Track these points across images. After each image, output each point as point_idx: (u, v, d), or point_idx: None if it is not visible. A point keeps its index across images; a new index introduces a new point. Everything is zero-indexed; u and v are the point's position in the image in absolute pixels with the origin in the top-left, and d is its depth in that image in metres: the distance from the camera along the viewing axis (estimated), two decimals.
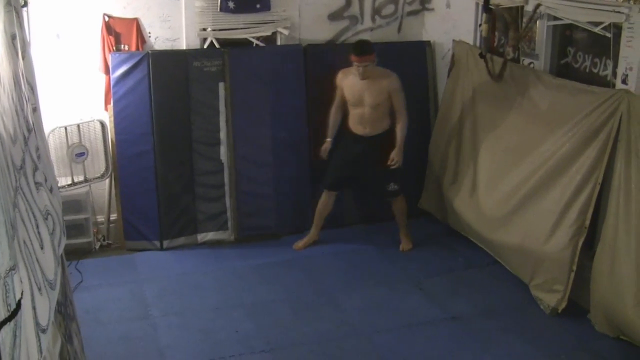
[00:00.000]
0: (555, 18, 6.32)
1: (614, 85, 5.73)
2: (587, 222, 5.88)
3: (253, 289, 6.68)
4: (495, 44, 7.17)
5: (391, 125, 7.19)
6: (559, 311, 6.08)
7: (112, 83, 7.16)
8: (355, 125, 7.20)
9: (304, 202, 7.78)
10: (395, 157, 6.99)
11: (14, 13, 3.55)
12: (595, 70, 6.11)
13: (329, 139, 7.25)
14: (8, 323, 2.06)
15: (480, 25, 7.15)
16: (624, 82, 5.57)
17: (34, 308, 2.41)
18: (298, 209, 7.81)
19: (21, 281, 2.26)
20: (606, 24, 5.66)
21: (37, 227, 2.90)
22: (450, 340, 5.89)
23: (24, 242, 2.54)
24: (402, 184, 7.35)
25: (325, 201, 7.48)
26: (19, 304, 2.16)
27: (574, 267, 5.97)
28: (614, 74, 5.75)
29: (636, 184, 5.42)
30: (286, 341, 5.86)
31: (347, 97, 7.18)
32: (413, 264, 7.14)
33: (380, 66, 7.18)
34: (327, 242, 7.58)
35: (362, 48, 7.03)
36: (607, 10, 5.56)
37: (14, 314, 2.11)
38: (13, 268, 2.16)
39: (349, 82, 7.13)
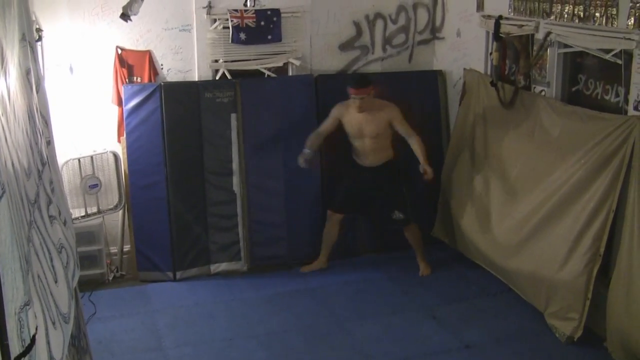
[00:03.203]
0: (566, 45, 6.33)
1: (626, 112, 5.71)
2: (602, 250, 5.83)
3: (266, 320, 6.66)
4: (506, 72, 7.18)
5: (395, 155, 7.30)
6: (575, 339, 6.01)
7: (124, 115, 7.22)
8: (358, 157, 7.32)
9: (317, 231, 7.75)
10: (425, 169, 7.02)
11: (29, 47, 3.59)
12: (607, 97, 6.10)
13: (307, 150, 7.22)
14: (22, 358, 2.06)
15: (490, 53, 7.18)
16: (635, 108, 5.55)
17: (48, 342, 2.41)
18: (310, 238, 7.79)
19: (35, 316, 2.26)
20: (617, 50, 5.66)
21: (51, 260, 2.91)
22: None
23: (38, 276, 2.54)
24: (411, 212, 7.38)
25: (330, 225, 7.54)
26: (33, 339, 2.16)
27: (589, 295, 5.91)
28: (626, 100, 5.73)
29: None
30: None
31: (347, 130, 7.25)
32: (426, 292, 7.10)
33: (391, 95, 7.21)
34: (339, 272, 7.56)
35: (359, 81, 7.13)
36: (618, 38, 5.55)
37: (28, 349, 2.11)
38: (27, 303, 2.16)
39: (349, 116, 7.19)
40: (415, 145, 7.11)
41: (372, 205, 7.41)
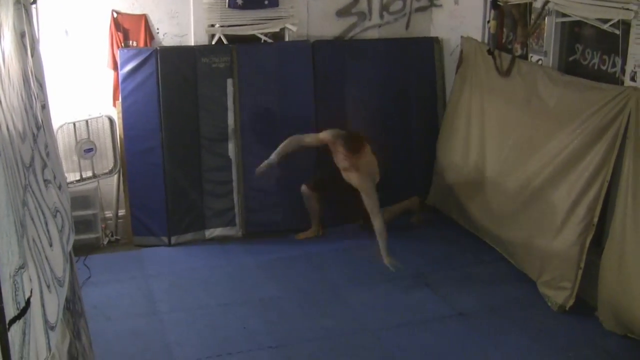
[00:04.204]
0: (564, 15, 6.30)
1: (622, 83, 5.71)
2: (596, 220, 5.86)
3: (260, 286, 6.69)
4: (504, 40, 7.15)
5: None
6: (567, 308, 6.06)
7: (120, 79, 7.19)
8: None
9: None
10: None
11: (23, 10, 3.56)
12: (604, 68, 6.09)
13: (274, 158, 7.04)
14: (17, 321, 2.07)
15: (488, 21, 7.15)
16: (632, 79, 5.55)
17: (42, 306, 2.42)
18: (305, 205, 7.80)
19: (30, 279, 2.27)
20: (615, 20, 5.64)
21: (46, 224, 2.91)
22: (457, 336, 5.89)
23: (33, 240, 2.54)
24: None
25: (310, 201, 7.57)
26: (28, 302, 2.17)
27: (582, 265, 5.95)
28: (623, 71, 5.73)
29: None
30: (293, 337, 5.86)
31: (335, 161, 7.05)
32: (420, 259, 7.13)
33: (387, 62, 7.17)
34: (334, 238, 7.60)
35: (353, 146, 6.85)
36: (616, 7, 5.53)
37: (23, 312, 2.12)
38: (22, 266, 2.16)
39: (336, 156, 6.98)
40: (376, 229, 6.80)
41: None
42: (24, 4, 3.59)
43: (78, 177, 7.21)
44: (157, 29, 7.40)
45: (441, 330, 5.97)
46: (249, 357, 5.59)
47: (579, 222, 5.94)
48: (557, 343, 5.74)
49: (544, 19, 6.50)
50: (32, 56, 3.66)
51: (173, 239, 7.44)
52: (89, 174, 7.29)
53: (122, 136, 7.33)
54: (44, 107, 3.89)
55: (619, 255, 5.59)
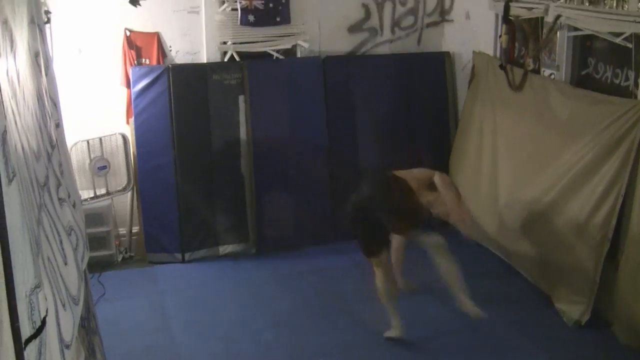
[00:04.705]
0: (576, 29, 6.29)
1: (635, 96, 5.69)
2: (611, 234, 5.81)
3: (273, 300, 6.69)
4: (515, 55, 7.15)
5: None
6: (582, 323, 6.01)
7: (133, 97, 7.22)
8: None
9: (324, 212, 7.78)
10: None
11: (37, 30, 3.59)
12: (617, 81, 6.07)
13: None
14: (33, 340, 2.08)
15: (500, 36, 7.14)
16: None
17: (58, 324, 2.43)
18: (318, 219, 7.81)
19: (46, 298, 2.28)
20: (627, 34, 5.63)
21: (61, 243, 2.93)
22: (470, 351, 5.86)
23: (48, 258, 2.56)
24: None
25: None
26: (43, 322, 2.18)
27: (597, 279, 5.91)
28: (636, 84, 5.71)
29: None
30: (307, 352, 5.86)
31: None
32: (432, 274, 7.08)
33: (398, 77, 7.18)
34: (346, 253, 7.55)
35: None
36: (628, 21, 5.52)
37: (38, 331, 2.13)
38: (38, 286, 2.17)
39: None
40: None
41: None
42: (38, 24, 3.63)
43: (92, 195, 7.24)
44: (170, 46, 7.44)
45: (454, 344, 5.94)
46: None
47: (593, 236, 5.90)
48: (573, 358, 5.69)
49: (556, 33, 6.49)
50: (46, 75, 3.69)
51: (186, 256, 7.45)
52: (103, 191, 7.32)
53: (135, 153, 7.36)
54: (58, 125, 3.92)
55: (635, 270, 5.55)
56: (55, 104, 3.91)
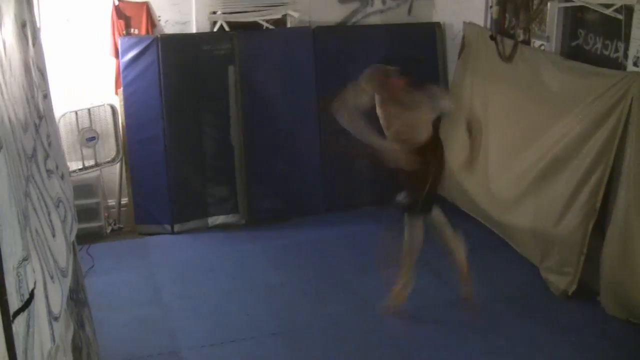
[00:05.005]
0: (567, 0, 6.27)
1: (625, 68, 5.69)
2: (598, 205, 5.84)
3: (264, 272, 6.71)
4: (506, 25, 7.12)
5: None
6: (569, 294, 6.07)
7: (121, 67, 7.17)
8: None
9: (314, 184, 7.79)
10: None
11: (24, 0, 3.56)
12: (607, 53, 6.07)
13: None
14: (21, 313, 2.08)
15: (491, 7, 7.12)
16: (635, 64, 5.53)
17: (46, 297, 2.43)
18: (308, 191, 7.82)
19: (34, 271, 2.28)
20: (617, 5, 5.62)
21: (49, 215, 2.92)
22: (460, 321, 5.90)
23: (36, 230, 2.55)
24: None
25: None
26: (31, 294, 2.18)
27: (585, 250, 5.95)
28: (626, 56, 5.71)
29: None
30: (297, 324, 5.89)
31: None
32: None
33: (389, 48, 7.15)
34: (338, 224, 7.59)
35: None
36: None
37: (27, 303, 2.13)
38: (26, 258, 2.17)
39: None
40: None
41: None
42: None
43: (80, 166, 7.22)
44: (159, 16, 7.38)
45: (444, 316, 5.99)
46: (253, 343, 5.61)
47: (581, 207, 5.94)
48: (560, 328, 5.75)
49: (547, 4, 6.47)
50: (33, 46, 3.65)
51: (176, 227, 7.45)
52: (92, 162, 7.29)
53: (124, 124, 7.33)
54: (46, 96, 3.89)
55: (622, 241, 5.60)
56: (42, 75, 3.87)
